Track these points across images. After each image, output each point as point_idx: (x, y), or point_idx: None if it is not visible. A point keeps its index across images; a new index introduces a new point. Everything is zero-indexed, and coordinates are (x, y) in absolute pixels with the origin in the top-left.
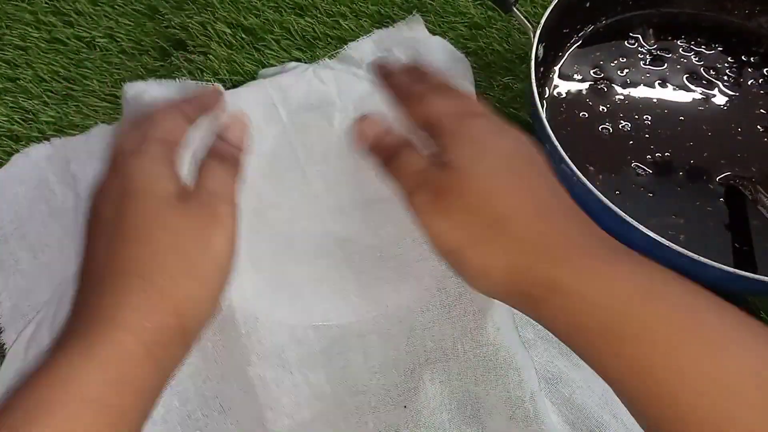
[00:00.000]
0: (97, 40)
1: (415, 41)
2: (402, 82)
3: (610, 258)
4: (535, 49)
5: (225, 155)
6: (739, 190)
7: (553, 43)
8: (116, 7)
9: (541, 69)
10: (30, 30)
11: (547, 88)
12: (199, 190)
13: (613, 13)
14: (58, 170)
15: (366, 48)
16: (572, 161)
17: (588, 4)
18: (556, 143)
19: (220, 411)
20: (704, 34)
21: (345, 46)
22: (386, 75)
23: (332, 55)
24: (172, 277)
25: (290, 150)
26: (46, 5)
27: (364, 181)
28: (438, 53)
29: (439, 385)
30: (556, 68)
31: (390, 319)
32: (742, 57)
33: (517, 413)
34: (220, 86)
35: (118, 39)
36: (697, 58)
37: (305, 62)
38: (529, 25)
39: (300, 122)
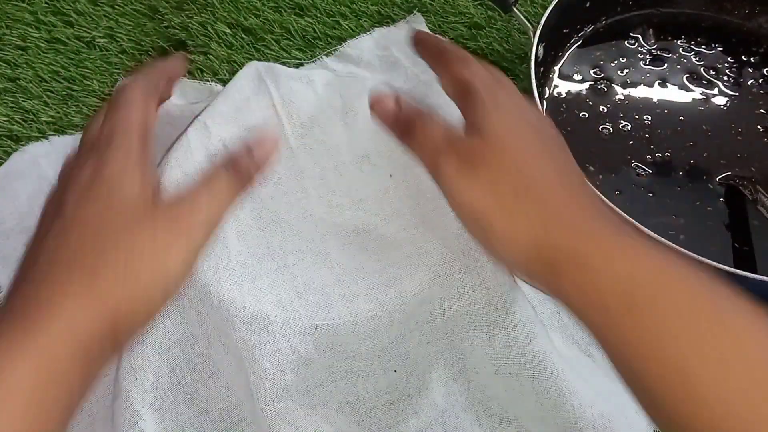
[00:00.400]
0: (97, 40)
1: None
2: (438, 43)
3: (630, 236)
4: (535, 49)
5: (239, 167)
6: (739, 190)
7: (553, 43)
8: (116, 7)
9: (541, 69)
10: (30, 30)
11: (547, 88)
12: (179, 199)
13: (613, 13)
14: (56, 165)
15: (365, 46)
16: None
17: (588, 4)
18: None
19: (210, 375)
20: (704, 34)
21: (343, 44)
22: (421, 39)
23: (330, 52)
24: (114, 280)
25: (277, 120)
26: (46, 5)
27: (348, 152)
28: None
29: (427, 347)
30: (556, 68)
31: (376, 288)
32: (742, 57)
33: (501, 369)
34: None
35: (118, 39)
36: (697, 58)
37: (305, 62)
38: (529, 25)
39: (287, 89)
